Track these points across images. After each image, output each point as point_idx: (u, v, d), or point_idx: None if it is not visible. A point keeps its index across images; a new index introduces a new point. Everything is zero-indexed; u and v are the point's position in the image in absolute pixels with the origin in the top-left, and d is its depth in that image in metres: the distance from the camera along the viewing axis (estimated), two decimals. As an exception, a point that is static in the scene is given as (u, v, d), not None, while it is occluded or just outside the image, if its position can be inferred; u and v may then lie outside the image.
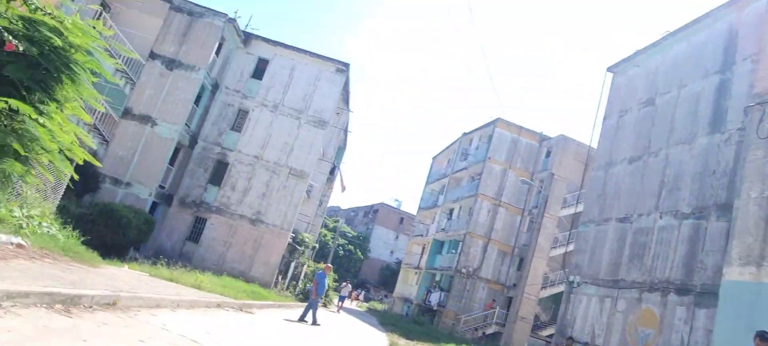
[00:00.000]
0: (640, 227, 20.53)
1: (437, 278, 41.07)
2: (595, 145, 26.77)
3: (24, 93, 5.76)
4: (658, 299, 18.41)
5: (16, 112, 5.54)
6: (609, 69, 26.53)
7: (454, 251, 38.29)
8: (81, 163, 6.86)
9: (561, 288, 33.87)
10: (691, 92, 20.48)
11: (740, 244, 7.24)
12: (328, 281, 26.08)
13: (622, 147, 23.52)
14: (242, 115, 28.86)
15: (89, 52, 6.35)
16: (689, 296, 17.16)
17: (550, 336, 33.41)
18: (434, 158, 51.18)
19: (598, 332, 20.86)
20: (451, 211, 41.56)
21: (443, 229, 40.58)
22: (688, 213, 18.37)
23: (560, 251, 34.15)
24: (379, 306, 50.63)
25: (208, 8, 26.89)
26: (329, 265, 22.51)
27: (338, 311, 29.39)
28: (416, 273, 46.40)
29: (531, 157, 37.54)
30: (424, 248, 46.65)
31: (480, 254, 36.31)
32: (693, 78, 20.72)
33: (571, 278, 23.83)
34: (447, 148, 47.91)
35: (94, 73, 6.54)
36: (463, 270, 36.19)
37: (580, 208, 34.28)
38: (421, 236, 46.77)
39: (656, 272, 18.90)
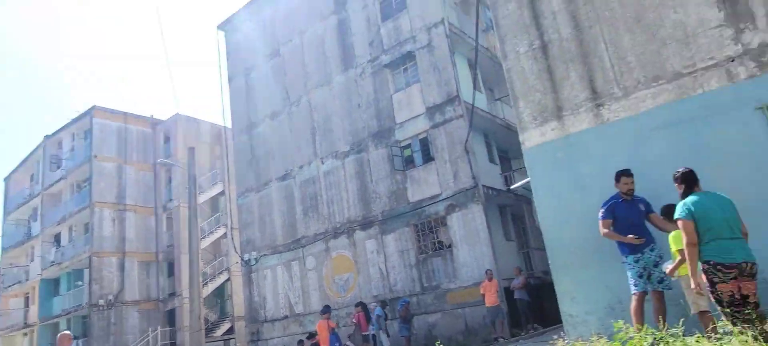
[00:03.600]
0: (305, 178, 19.85)
1: (64, 327, 31.64)
2: (228, 112, 24.53)
3: None
4: (345, 242, 18.24)
5: None
6: (219, 27, 24.37)
7: (79, 283, 30.03)
8: None
9: (224, 278, 31.21)
10: (314, 36, 20.53)
11: (529, 104, 6.61)
12: None
13: (260, 105, 22.11)
14: None
15: None
16: (374, 227, 17.53)
17: (229, 332, 30.64)
18: (7, 179, 38.56)
19: (295, 300, 19.52)
20: (59, 235, 32.30)
21: (53, 261, 31.21)
22: (348, 151, 18.60)
23: (212, 238, 31.20)
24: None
25: None
26: None
27: None
28: (26, 334, 34.81)
29: (148, 145, 32.33)
30: (28, 297, 35.23)
31: (117, 274, 29.57)
32: (311, 22, 20.76)
33: (247, 256, 21.55)
34: (24, 161, 36.60)
35: None
36: (101, 302, 28.83)
37: (220, 188, 31.99)
38: (19, 283, 35.01)
39: (336, 217, 18.65)
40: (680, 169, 4.77)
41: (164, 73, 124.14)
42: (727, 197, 4.55)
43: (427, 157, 16.49)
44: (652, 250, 5.64)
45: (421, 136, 16.78)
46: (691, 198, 4.52)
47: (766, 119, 5.52)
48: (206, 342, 29.52)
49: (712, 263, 4.26)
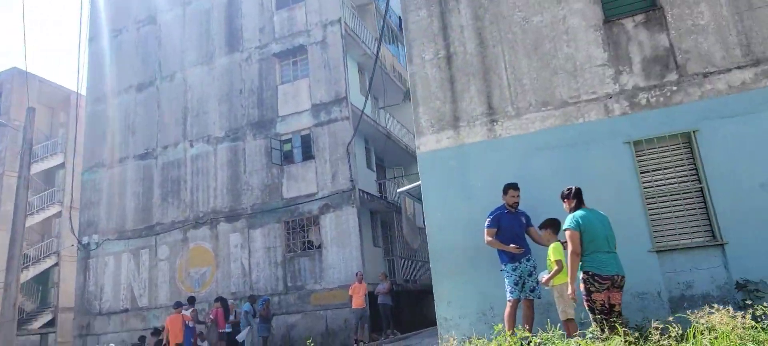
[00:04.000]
0: (169, 160, 18.28)
1: None
2: (84, 75, 21.76)
3: None
4: (207, 233, 17.10)
5: None
6: (85, -21, 21.58)
7: None
8: None
9: (51, 262, 27.37)
10: (200, 10, 19.13)
11: (428, 110, 6.73)
12: None
13: (125, 73, 19.95)
14: None
15: None
16: (241, 220, 16.68)
17: (49, 325, 26.82)
18: None
19: (139, 292, 17.76)
20: None
21: None
22: (223, 137, 17.54)
23: (41, 216, 27.24)
24: None
25: None
26: None
27: None
28: None
29: (-29, 99, 27.34)
30: None
31: None
32: (196, -5, 19.34)
33: (86, 239, 19.15)
34: None
35: None
36: None
37: (60, 159, 28.11)
38: None
39: (199, 206, 17.41)
40: (571, 187, 5.15)
41: (9, 18, 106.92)
42: (604, 214, 5.00)
43: (308, 155, 16.16)
44: (528, 260, 6.03)
45: (303, 133, 16.40)
46: (579, 212, 4.89)
47: (632, 153, 6.24)
48: (18, 335, 25.53)
49: (590, 273, 4.64)
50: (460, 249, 6.77)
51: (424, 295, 18.98)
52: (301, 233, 16.02)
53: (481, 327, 6.56)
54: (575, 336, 5.29)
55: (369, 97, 18.55)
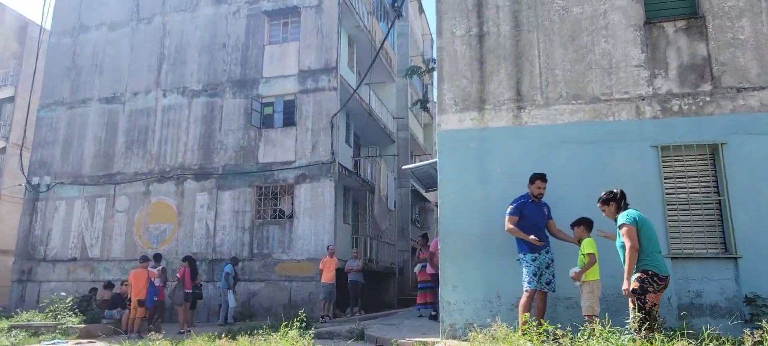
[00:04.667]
0: (138, 107, 17.25)
1: None
2: (50, 3, 20.13)
3: None
4: (172, 188, 16.28)
5: None
6: None
7: None
8: None
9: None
10: (185, -47, 18.00)
11: (453, 88, 6.49)
12: None
13: (97, 9, 18.61)
14: None
15: None
16: (211, 180, 15.96)
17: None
18: None
19: (91, 242, 16.76)
20: None
21: None
22: (200, 90, 16.68)
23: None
24: None
25: None
26: None
27: None
28: None
29: None
30: None
31: None
32: (183, -64, 18.19)
33: (36, 179, 17.88)
34: None
35: None
36: None
37: (10, 92, 26.04)
38: None
39: (167, 159, 16.54)
40: (613, 190, 5.05)
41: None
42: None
43: (289, 121, 15.60)
44: (547, 252, 5.92)
45: (287, 98, 15.80)
46: (633, 211, 4.78)
47: (658, 157, 6.22)
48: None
49: (650, 273, 4.53)
50: (471, 233, 6.60)
51: (384, 277, 18.89)
52: (273, 201, 15.50)
53: (485, 315, 6.43)
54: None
55: (354, 71, 18.12)
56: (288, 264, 14.82)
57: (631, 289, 4.55)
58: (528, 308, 5.66)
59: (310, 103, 15.38)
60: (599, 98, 6.51)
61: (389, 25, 21.15)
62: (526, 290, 5.73)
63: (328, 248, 13.59)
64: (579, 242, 5.66)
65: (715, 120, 6.14)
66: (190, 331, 10.89)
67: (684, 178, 6.21)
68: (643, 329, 4.36)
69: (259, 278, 14.95)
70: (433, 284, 10.29)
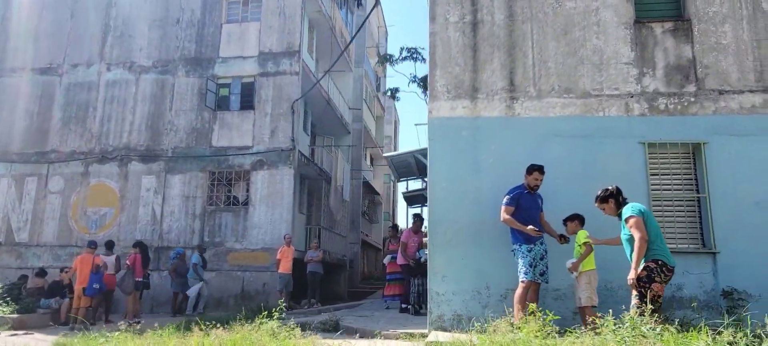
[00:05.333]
0: (77, 81, 15.95)
1: None
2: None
3: None
4: (114, 170, 15.20)
5: None
6: None
7: None
8: None
9: None
10: None
11: (446, 75, 6.36)
12: None
13: (31, -30, 16.99)
14: None
15: None
16: (159, 162, 15.04)
17: None
18: None
19: (18, 225, 15.37)
20: None
21: None
22: (149, 66, 15.65)
23: None
24: None
25: None
26: None
27: None
28: None
29: None
30: None
31: None
32: None
33: (-46, 155, 16.13)
34: None
35: None
36: None
37: None
38: None
39: (109, 139, 15.42)
40: (608, 187, 5.07)
41: None
42: None
43: (247, 105, 14.95)
44: (541, 243, 5.92)
45: (245, 80, 15.13)
46: (637, 203, 4.83)
47: (645, 154, 6.38)
48: None
49: (660, 262, 4.57)
50: (462, 223, 6.50)
51: (336, 269, 18.59)
52: (226, 187, 14.81)
53: (474, 306, 6.37)
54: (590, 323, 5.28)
55: (314, 57, 17.65)
56: (241, 253, 14.22)
57: (637, 277, 4.60)
58: (525, 299, 5.62)
59: (270, 87, 14.80)
60: (590, 93, 6.59)
61: (349, 13, 20.81)
62: (523, 281, 5.70)
63: (285, 237, 13.15)
64: (562, 238, 5.79)
65: (698, 120, 6.37)
66: (139, 322, 10.17)
67: (668, 175, 6.42)
68: (652, 318, 4.40)
69: (210, 268, 14.21)
70: (402, 275, 10.17)
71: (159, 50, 15.65)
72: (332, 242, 18.62)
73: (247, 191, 14.55)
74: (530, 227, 5.79)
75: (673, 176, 6.42)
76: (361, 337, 6.86)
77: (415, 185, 19.40)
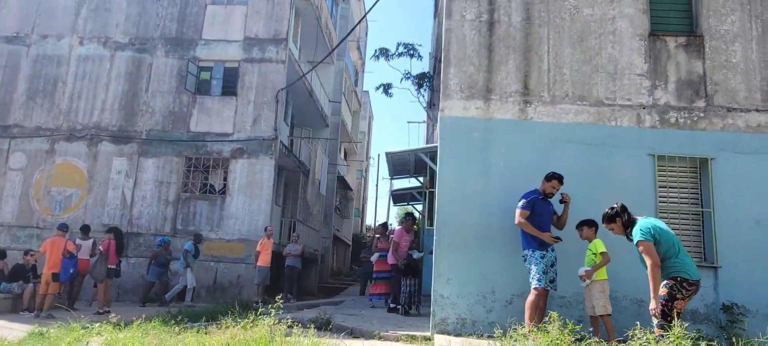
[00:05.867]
0: (46, 53, 15.07)
1: None
2: None
3: None
4: (83, 149, 14.44)
5: None
6: None
7: None
8: None
9: None
10: None
11: (460, 73, 6.22)
12: None
13: (-1, -69, 15.91)
14: None
15: None
16: (132, 144, 14.36)
17: None
18: None
19: (-27, 202, 14.37)
20: None
21: None
22: (125, 43, 14.92)
23: None
24: None
25: None
26: None
27: None
28: None
29: None
30: None
31: None
32: None
33: None
34: None
35: None
36: None
37: None
38: None
39: (78, 116, 14.63)
40: (614, 205, 4.95)
41: None
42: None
43: (229, 90, 14.44)
44: (552, 250, 5.86)
45: (229, 65, 14.61)
46: (645, 221, 4.68)
47: (654, 166, 6.41)
48: None
49: (679, 279, 4.44)
50: (469, 225, 6.38)
51: (308, 263, 18.25)
52: (203, 174, 14.28)
53: (478, 310, 6.27)
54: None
55: (297, 47, 17.25)
56: (216, 243, 13.74)
57: (661, 295, 4.52)
58: (536, 306, 5.55)
59: (255, 74, 14.34)
60: (603, 102, 6.58)
61: (335, 4, 20.46)
62: (536, 288, 5.62)
63: (266, 229, 12.77)
64: (553, 239, 5.73)
65: (706, 135, 6.45)
66: (109, 311, 9.64)
67: (676, 188, 6.48)
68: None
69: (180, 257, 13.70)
70: (389, 274, 9.99)
71: (137, 27, 14.94)
72: (306, 235, 18.26)
73: (225, 179, 14.07)
74: (547, 233, 5.72)
75: (681, 190, 6.48)
76: (356, 337, 6.64)
77: (399, 183, 19.29)
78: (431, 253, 10.17)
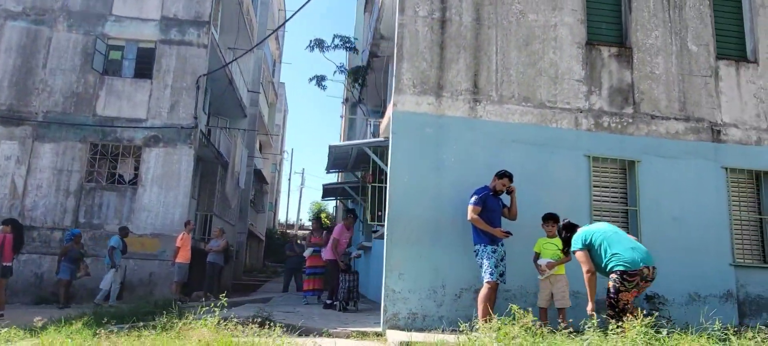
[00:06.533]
0: None
1: None
2: None
3: None
4: (-37, 130, 12.64)
5: None
6: None
7: None
8: None
9: None
10: None
11: (412, 68, 6.18)
12: None
13: None
14: None
15: None
16: (25, 127, 12.84)
17: None
18: None
19: None
20: None
21: None
22: (18, 13, 13.30)
23: None
24: None
25: None
26: None
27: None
28: None
29: None
30: None
31: None
32: None
33: None
34: None
35: None
36: None
37: None
38: None
39: (-42, 92, 12.77)
40: (564, 220, 5.45)
41: None
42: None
43: (144, 73, 13.37)
44: (501, 245, 6.06)
45: (143, 45, 13.52)
46: (581, 232, 5.12)
47: (589, 167, 6.86)
48: None
49: (618, 272, 4.80)
50: (421, 220, 6.42)
51: (228, 260, 17.42)
52: (111, 163, 13.11)
53: (429, 304, 6.33)
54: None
55: (218, 33, 16.40)
56: (126, 239, 12.65)
57: (607, 288, 4.87)
58: (491, 299, 5.71)
59: (173, 57, 13.39)
60: (545, 104, 6.92)
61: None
62: (488, 282, 5.77)
63: (186, 223, 12.01)
64: (504, 234, 5.93)
65: (633, 140, 7.01)
66: (2, 315, 8.57)
67: (608, 188, 6.98)
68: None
69: (85, 253, 12.49)
70: (322, 270, 9.81)
71: (33, -6, 13.33)
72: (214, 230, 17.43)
73: (137, 169, 13.01)
74: (499, 229, 5.91)
75: (611, 189, 7.00)
76: (304, 335, 6.43)
77: (330, 178, 18.84)
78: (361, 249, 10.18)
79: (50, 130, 12.86)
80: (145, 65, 13.44)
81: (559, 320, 5.45)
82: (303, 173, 44.18)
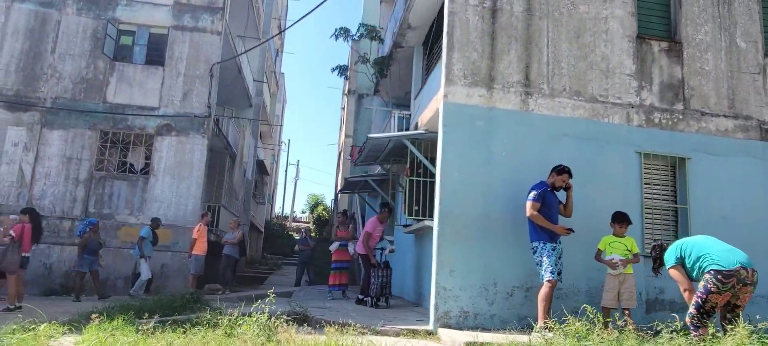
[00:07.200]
0: None
1: None
2: None
3: None
4: (-32, 115, 12.19)
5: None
6: None
7: None
8: None
9: None
10: None
11: (463, 59, 5.98)
12: None
13: None
14: None
15: None
16: (33, 113, 12.43)
17: None
18: None
19: None
20: None
21: None
22: (25, -5, 12.78)
23: None
24: None
25: None
26: None
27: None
28: None
29: None
30: None
31: None
32: None
33: None
34: None
35: None
36: None
37: None
38: None
39: (-38, 75, 12.29)
40: (656, 242, 5.30)
41: None
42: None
43: (156, 59, 12.99)
44: (559, 242, 5.91)
45: (155, 30, 13.13)
46: (674, 246, 4.96)
47: (640, 163, 6.73)
48: None
49: (712, 272, 4.57)
50: (472, 216, 6.24)
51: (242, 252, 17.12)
52: (123, 151, 12.75)
53: (481, 303, 6.17)
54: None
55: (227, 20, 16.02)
56: (136, 229, 12.29)
57: (698, 288, 4.69)
58: (549, 298, 5.55)
59: (186, 44, 13.03)
60: (597, 99, 6.76)
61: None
62: (548, 280, 5.61)
63: (203, 215, 11.72)
64: (566, 231, 5.82)
65: (684, 137, 6.89)
66: (21, 306, 8.25)
67: (658, 185, 6.85)
68: (698, 327, 4.56)
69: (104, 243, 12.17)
70: (348, 264, 9.61)
71: (38, -23, 12.85)
72: (229, 222, 17.13)
73: (148, 158, 12.67)
74: (560, 225, 5.75)
75: (662, 187, 6.88)
76: (341, 332, 6.22)
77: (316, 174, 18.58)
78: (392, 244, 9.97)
79: (59, 117, 12.45)
80: (156, 52, 13.06)
81: (626, 320, 5.31)
82: (298, 165, 43.63)
